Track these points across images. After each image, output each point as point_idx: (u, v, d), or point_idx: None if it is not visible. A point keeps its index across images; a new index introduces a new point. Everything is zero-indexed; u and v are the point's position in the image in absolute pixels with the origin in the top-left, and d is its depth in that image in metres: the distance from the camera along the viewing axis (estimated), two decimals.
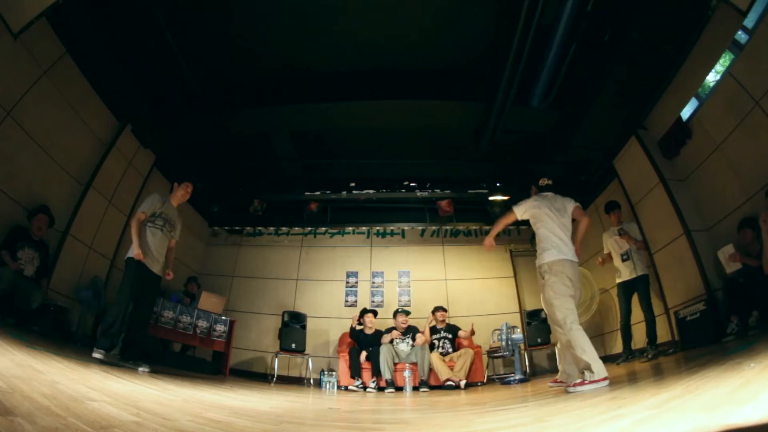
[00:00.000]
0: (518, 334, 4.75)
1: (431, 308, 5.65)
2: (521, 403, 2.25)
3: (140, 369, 2.91)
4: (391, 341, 5.10)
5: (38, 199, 3.70)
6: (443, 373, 4.71)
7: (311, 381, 5.47)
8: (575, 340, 2.48)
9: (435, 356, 4.90)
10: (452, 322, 5.60)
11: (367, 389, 4.78)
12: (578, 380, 2.38)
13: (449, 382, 4.61)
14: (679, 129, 4.10)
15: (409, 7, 3.90)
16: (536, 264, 2.89)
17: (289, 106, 4.73)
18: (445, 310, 5.46)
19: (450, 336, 5.27)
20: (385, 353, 4.86)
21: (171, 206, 3.50)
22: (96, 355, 2.77)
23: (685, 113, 4.11)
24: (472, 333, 5.13)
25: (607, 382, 2.29)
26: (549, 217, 2.91)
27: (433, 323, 5.30)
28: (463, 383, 4.60)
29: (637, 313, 4.21)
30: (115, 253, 4.65)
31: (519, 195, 6.08)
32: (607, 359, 5.17)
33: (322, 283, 6.66)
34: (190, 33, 4.09)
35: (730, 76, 3.51)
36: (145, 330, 3.46)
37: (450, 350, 5.15)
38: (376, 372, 4.89)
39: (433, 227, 6.92)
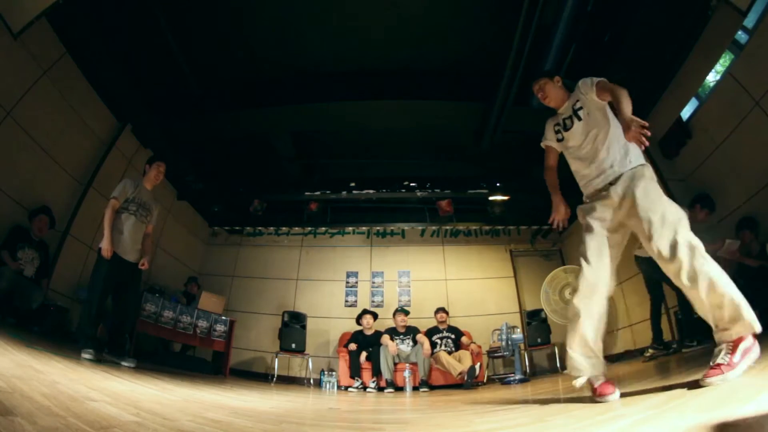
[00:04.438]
0: (518, 334, 4.75)
1: (431, 308, 5.68)
2: (521, 403, 2.25)
3: (124, 363, 2.87)
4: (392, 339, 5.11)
5: (38, 199, 3.70)
6: (455, 367, 4.68)
7: (311, 381, 5.47)
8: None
9: (443, 354, 4.89)
10: (452, 322, 5.61)
11: (367, 389, 4.78)
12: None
13: (461, 375, 4.57)
14: (679, 129, 4.10)
15: (410, 7, 3.90)
16: (621, 169, 1.80)
17: (289, 106, 4.72)
18: (446, 312, 5.50)
19: (453, 337, 5.30)
20: (385, 353, 4.87)
21: (145, 190, 3.31)
22: (85, 355, 2.68)
23: (685, 113, 4.11)
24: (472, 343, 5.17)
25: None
26: None
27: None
28: (477, 365, 4.57)
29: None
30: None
31: (519, 195, 6.15)
32: (606, 359, 5.18)
33: (322, 283, 6.66)
34: (191, 33, 4.09)
35: (730, 76, 3.51)
36: (130, 323, 3.32)
37: (453, 350, 5.17)
38: (376, 372, 4.90)
39: (433, 227, 6.92)
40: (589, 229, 1.86)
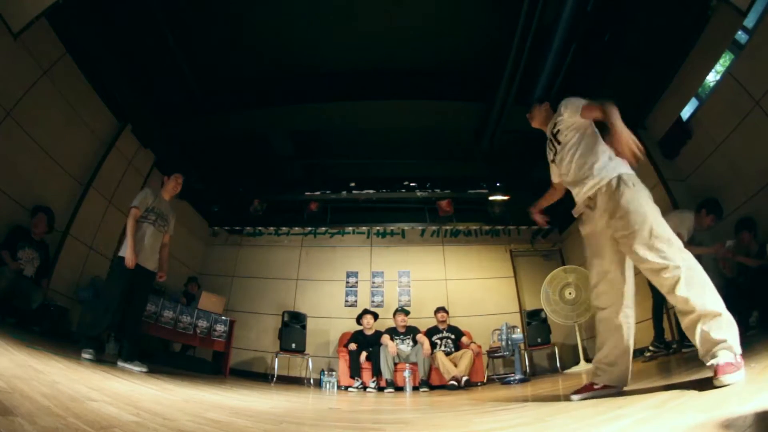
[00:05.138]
0: (518, 334, 4.74)
1: (431, 308, 5.68)
2: (521, 403, 2.25)
3: (137, 369, 2.88)
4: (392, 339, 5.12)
5: (38, 200, 3.70)
6: (449, 370, 4.70)
7: (311, 381, 5.47)
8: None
9: (440, 354, 4.91)
10: (452, 322, 5.61)
11: (367, 389, 4.78)
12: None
13: (453, 381, 4.60)
14: (679, 129, 4.10)
15: (410, 7, 3.90)
16: (598, 181, 1.79)
17: (288, 106, 4.73)
18: (446, 311, 5.50)
19: (453, 337, 5.30)
20: (385, 353, 4.87)
21: (163, 200, 3.39)
22: (85, 355, 2.67)
23: (685, 113, 4.11)
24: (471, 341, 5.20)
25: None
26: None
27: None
28: (464, 379, 4.59)
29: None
30: (115, 253, 4.65)
31: (519, 195, 6.15)
32: None
33: (322, 283, 6.66)
34: (191, 33, 4.09)
35: (730, 76, 3.52)
36: (138, 327, 3.34)
37: (453, 350, 5.17)
38: (376, 372, 4.90)
39: (433, 227, 6.91)
40: (587, 242, 1.91)
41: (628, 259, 1.80)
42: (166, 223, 3.38)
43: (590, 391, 1.84)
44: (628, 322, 1.83)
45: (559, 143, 1.99)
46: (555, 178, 2.20)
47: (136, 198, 3.22)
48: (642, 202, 1.66)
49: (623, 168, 1.79)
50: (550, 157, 2.15)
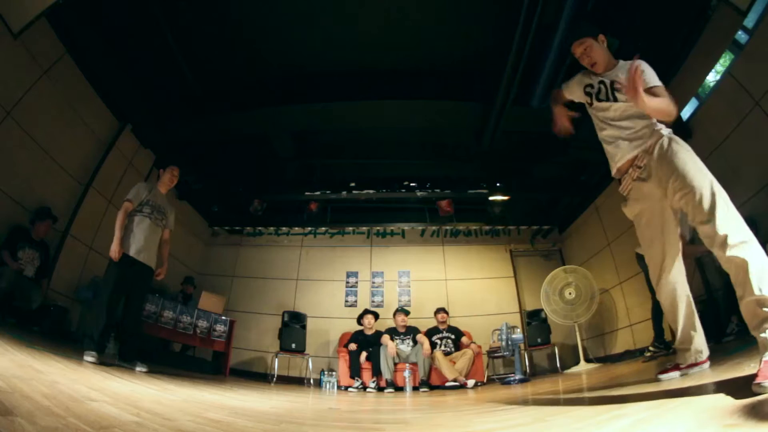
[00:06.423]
0: (518, 334, 4.74)
1: (431, 308, 5.68)
2: (521, 403, 2.25)
3: (137, 369, 2.86)
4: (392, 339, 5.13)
5: (38, 199, 3.71)
6: (449, 372, 4.71)
7: (311, 381, 5.47)
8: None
9: (439, 354, 4.91)
10: (452, 322, 5.62)
11: (367, 389, 4.78)
12: None
13: (453, 382, 4.61)
14: (679, 129, 4.09)
15: (410, 7, 3.90)
16: (654, 140, 1.86)
17: (289, 106, 4.72)
18: (446, 312, 5.51)
19: (453, 337, 5.31)
20: (385, 353, 4.87)
21: (159, 193, 3.33)
22: (87, 358, 2.61)
23: (685, 113, 4.11)
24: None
25: None
26: None
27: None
28: (471, 383, 4.60)
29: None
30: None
31: (519, 195, 6.15)
32: (606, 359, 5.19)
33: (322, 283, 6.66)
34: (191, 33, 4.09)
35: (730, 76, 3.51)
36: (138, 326, 3.28)
37: (453, 350, 5.18)
38: (376, 372, 4.90)
39: (433, 227, 6.92)
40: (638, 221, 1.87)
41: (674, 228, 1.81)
42: (164, 217, 3.32)
43: (678, 370, 1.83)
44: (689, 297, 1.84)
45: (615, 100, 1.91)
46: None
47: (129, 191, 3.19)
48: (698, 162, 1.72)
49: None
50: (585, 90, 2.01)
